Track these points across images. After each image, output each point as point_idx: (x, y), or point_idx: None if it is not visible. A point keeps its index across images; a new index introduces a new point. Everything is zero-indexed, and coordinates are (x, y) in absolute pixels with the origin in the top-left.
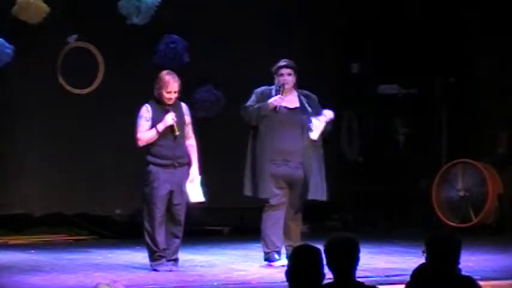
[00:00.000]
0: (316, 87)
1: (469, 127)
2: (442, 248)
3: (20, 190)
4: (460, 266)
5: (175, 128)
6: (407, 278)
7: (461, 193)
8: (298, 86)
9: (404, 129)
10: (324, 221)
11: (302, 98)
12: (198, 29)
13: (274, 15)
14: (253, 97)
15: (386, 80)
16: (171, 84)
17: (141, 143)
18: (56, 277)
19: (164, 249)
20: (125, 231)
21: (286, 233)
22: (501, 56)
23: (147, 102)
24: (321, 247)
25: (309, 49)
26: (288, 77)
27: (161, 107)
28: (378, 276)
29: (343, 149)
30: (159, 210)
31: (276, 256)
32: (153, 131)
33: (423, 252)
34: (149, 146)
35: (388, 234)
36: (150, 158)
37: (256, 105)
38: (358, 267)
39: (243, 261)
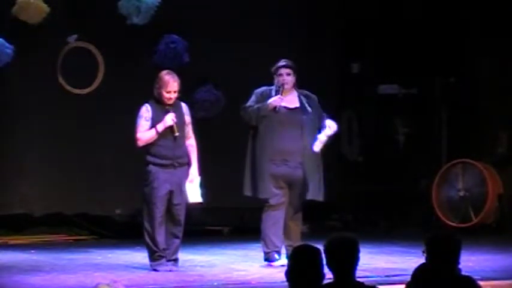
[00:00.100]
0: (316, 87)
1: (469, 127)
2: (442, 248)
3: (20, 190)
4: (460, 266)
5: (175, 128)
6: (407, 278)
7: (461, 193)
8: (298, 86)
9: (404, 129)
10: (324, 221)
11: (302, 98)
12: (198, 29)
13: (274, 15)
14: (253, 97)
15: (386, 80)
16: (170, 84)
17: (140, 143)
18: (56, 277)
19: (164, 249)
20: (125, 231)
21: (286, 233)
22: (501, 56)
23: (147, 102)
24: (321, 247)
25: (309, 49)
26: (287, 77)
27: (161, 107)
28: (378, 276)
29: (343, 149)
30: (159, 210)
31: (276, 256)
32: (153, 131)
33: (423, 252)
34: (149, 146)
35: (388, 234)
36: (149, 158)
37: (256, 106)
38: (358, 267)
39: (243, 261)
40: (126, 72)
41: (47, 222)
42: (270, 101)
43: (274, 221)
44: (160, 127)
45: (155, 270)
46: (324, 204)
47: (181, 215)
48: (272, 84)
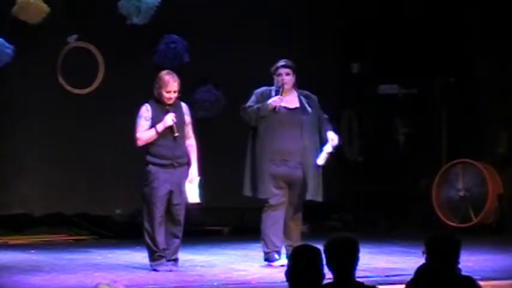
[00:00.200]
0: (316, 87)
1: (469, 127)
2: (441, 248)
3: (20, 190)
4: (460, 266)
5: (175, 128)
6: (407, 278)
7: (461, 193)
8: (299, 86)
9: (404, 129)
10: (324, 221)
11: (302, 98)
12: (198, 29)
13: (274, 15)
14: (253, 97)
15: (386, 80)
16: (170, 84)
17: (140, 143)
18: (56, 277)
19: (164, 249)
20: (125, 231)
21: (286, 233)
22: (501, 56)
23: (146, 102)
24: (321, 247)
25: (309, 49)
26: (286, 76)
27: (161, 107)
28: (378, 276)
29: (343, 149)
30: (159, 210)
31: (276, 256)
32: (152, 131)
33: (423, 252)
34: (149, 146)
35: (388, 234)
36: (149, 158)
37: (255, 106)
38: (358, 267)
39: (243, 261)
40: (126, 72)
41: (47, 222)
42: (269, 101)
43: (274, 221)
44: (160, 127)
45: (155, 270)
46: (324, 204)
47: (181, 215)
48: (272, 85)
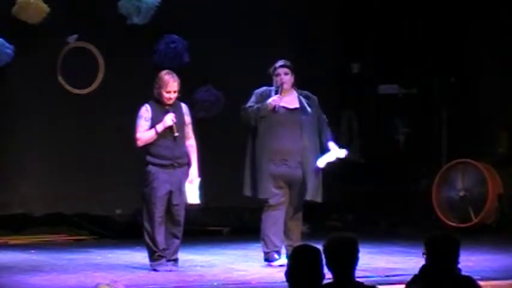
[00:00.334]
0: (316, 87)
1: (469, 127)
2: (441, 248)
3: (20, 190)
4: (460, 266)
5: (175, 128)
6: (407, 278)
7: (461, 193)
8: (299, 86)
9: (404, 129)
10: (324, 221)
11: (302, 98)
12: (198, 29)
13: (274, 15)
14: (252, 98)
15: (386, 80)
16: (170, 84)
17: (140, 143)
18: (56, 277)
19: (164, 249)
20: (125, 231)
21: (286, 233)
22: (501, 56)
23: (146, 103)
24: (321, 247)
25: (309, 49)
26: (285, 76)
27: (161, 107)
28: (378, 276)
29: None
30: (159, 211)
31: (276, 256)
32: (152, 131)
33: (423, 254)
34: (148, 146)
35: (388, 234)
36: (149, 158)
37: (255, 106)
38: (358, 267)
39: (243, 261)
40: (126, 72)
41: (47, 222)
42: (269, 100)
43: (274, 221)
44: (159, 127)
45: (155, 270)
46: (324, 204)
47: (180, 215)
48: (271, 85)
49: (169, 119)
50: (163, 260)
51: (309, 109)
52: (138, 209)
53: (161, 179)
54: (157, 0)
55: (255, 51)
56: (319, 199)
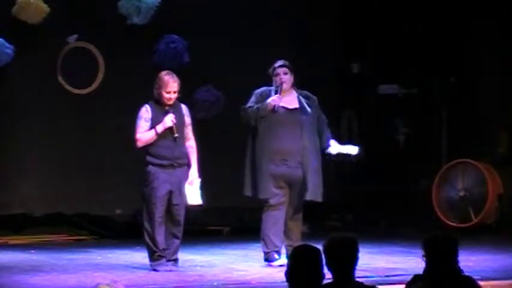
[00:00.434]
0: (316, 87)
1: (469, 127)
2: (439, 248)
3: (19, 190)
4: (460, 266)
5: (174, 129)
6: (407, 278)
7: (461, 193)
8: (299, 86)
9: (404, 129)
10: (324, 221)
11: (301, 98)
12: (198, 29)
13: (274, 15)
14: (252, 98)
15: (386, 80)
16: (170, 84)
17: (140, 144)
18: (56, 277)
19: (164, 249)
20: (125, 231)
21: (286, 233)
22: (501, 56)
23: (146, 103)
24: (320, 247)
25: (309, 49)
26: (284, 76)
27: (161, 108)
28: (378, 276)
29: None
30: (159, 211)
31: (276, 256)
32: (152, 132)
33: (423, 256)
34: (148, 147)
35: (388, 234)
36: (149, 159)
37: (255, 106)
38: (358, 267)
39: (243, 261)
40: (126, 72)
41: (47, 222)
42: (268, 100)
43: (274, 221)
44: (159, 128)
45: (155, 270)
46: (324, 204)
47: (180, 215)
48: (271, 85)
49: (169, 120)
50: (163, 260)
51: (308, 109)
52: (138, 209)
53: (161, 179)
54: (157, 0)
55: (255, 51)
56: (319, 198)
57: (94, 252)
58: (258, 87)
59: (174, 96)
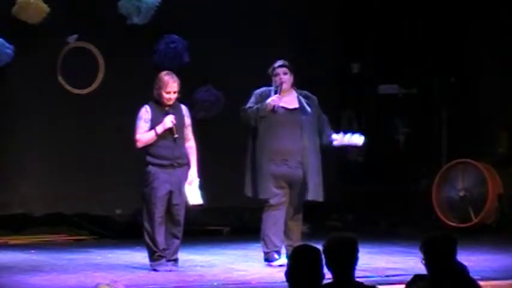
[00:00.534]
0: (316, 87)
1: (469, 127)
2: (438, 248)
3: (20, 190)
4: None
5: (174, 130)
6: (407, 278)
7: (461, 193)
8: (299, 86)
9: (404, 129)
10: (324, 221)
11: (301, 98)
12: (198, 29)
13: (274, 15)
14: (252, 98)
15: (386, 80)
16: (170, 84)
17: (139, 144)
18: (56, 277)
19: (164, 250)
20: (125, 231)
21: (287, 233)
22: (501, 56)
23: (146, 104)
24: (320, 247)
25: (309, 49)
26: (284, 76)
27: (160, 109)
28: (378, 276)
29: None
30: (159, 211)
31: (276, 256)
32: (152, 132)
33: (422, 259)
34: (148, 147)
35: (388, 234)
36: (149, 159)
37: (255, 106)
38: (358, 267)
39: (243, 261)
40: (126, 72)
41: (47, 222)
42: (268, 100)
43: (274, 221)
44: (159, 129)
45: (155, 270)
46: (324, 204)
47: (180, 215)
48: (271, 85)
49: (169, 121)
50: (163, 260)
51: (308, 109)
52: (138, 209)
53: (161, 179)
54: (157, 0)
55: (255, 51)
56: (321, 198)
57: (94, 252)
58: (258, 87)
59: (174, 96)
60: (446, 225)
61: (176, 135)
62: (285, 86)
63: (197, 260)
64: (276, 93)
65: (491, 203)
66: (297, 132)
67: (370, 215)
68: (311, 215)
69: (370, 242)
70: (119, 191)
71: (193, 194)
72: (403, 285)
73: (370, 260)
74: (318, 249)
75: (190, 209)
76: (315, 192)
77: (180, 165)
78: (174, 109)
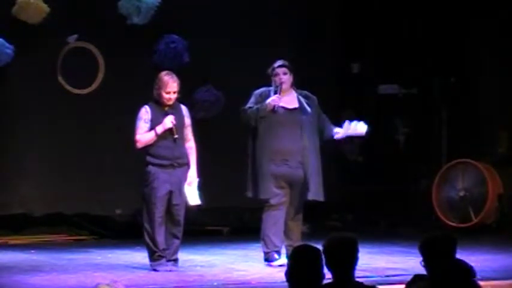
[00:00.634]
0: (316, 87)
1: (469, 127)
2: (437, 248)
3: (20, 190)
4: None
5: (174, 130)
6: (407, 278)
7: (461, 193)
8: (299, 86)
9: (404, 129)
10: (324, 221)
11: (301, 98)
12: (198, 29)
13: (274, 15)
14: (252, 99)
15: (386, 80)
16: (170, 85)
17: (139, 145)
18: (56, 277)
19: (164, 250)
20: (125, 231)
21: (287, 233)
22: (501, 56)
23: (146, 104)
24: (320, 247)
25: (309, 49)
26: (283, 76)
27: (160, 109)
28: (378, 276)
29: (343, 149)
30: (159, 211)
31: (276, 256)
32: (152, 133)
33: (422, 261)
34: (148, 147)
35: (388, 234)
36: (149, 159)
37: (255, 107)
38: (358, 267)
39: (243, 261)
40: (126, 72)
41: (47, 222)
42: (268, 100)
43: (274, 221)
44: (159, 129)
45: (155, 270)
46: (324, 204)
47: (180, 215)
48: (271, 86)
49: (168, 121)
50: (163, 260)
51: (308, 109)
52: (138, 209)
53: (161, 179)
54: (157, 0)
55: (255, 51)
56: (321, 198)
57: (94, 252)
58: (258, 87)
59: (173, 96)
60: (446, 225)
61: (176, 136)
62: (284, 86)
63: (197, 260)
64: (275, 93)
65: (491, 203)
66: (297, 132)
67: (370, 215)
68: (311, 215)
69: (370, 242)
70: (119, 191)
71: (192, 194)
72: (403, 285)
73: (370, 260)
74: (318, 249)
75: (189, 209)
76: (315, 192)
77: (180, 165)
78: (174, 109)
